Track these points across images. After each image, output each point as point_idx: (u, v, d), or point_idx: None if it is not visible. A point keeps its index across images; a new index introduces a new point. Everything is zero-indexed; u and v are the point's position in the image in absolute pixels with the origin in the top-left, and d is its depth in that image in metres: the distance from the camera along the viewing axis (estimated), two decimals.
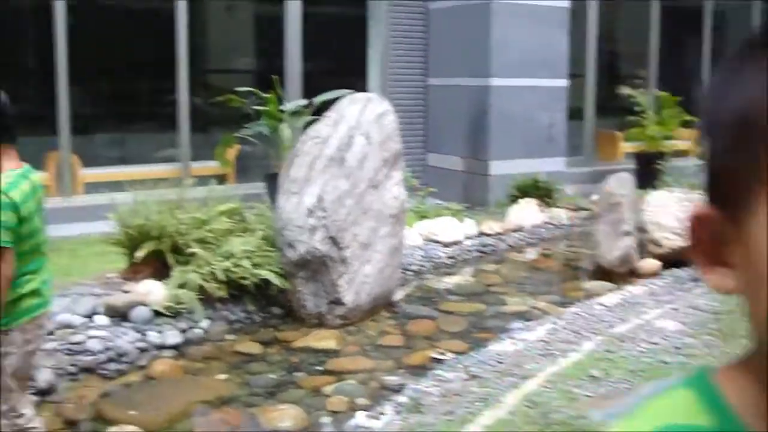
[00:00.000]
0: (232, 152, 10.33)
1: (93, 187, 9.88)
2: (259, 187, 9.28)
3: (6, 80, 10.85)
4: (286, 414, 4.55)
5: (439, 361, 5.36)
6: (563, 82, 11.16)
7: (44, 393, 4.76)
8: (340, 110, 6.34)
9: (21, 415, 3.43)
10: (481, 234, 8.63)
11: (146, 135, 11.49)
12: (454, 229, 8.34)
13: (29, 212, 3.23)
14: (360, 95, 6.54)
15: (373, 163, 6.22)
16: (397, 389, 4.78)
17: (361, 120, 6.25)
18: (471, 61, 10.69)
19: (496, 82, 10.54)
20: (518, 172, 10.34)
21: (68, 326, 5.36)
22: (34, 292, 3.37)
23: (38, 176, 3.39)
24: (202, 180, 7.68)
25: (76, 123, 9.84)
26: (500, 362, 4.95)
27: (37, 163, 9.84)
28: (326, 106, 8.92)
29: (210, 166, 10.23)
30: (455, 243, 8.21)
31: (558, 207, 9.88)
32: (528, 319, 6.13)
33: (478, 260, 8.26)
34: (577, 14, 11.58)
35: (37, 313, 3.41)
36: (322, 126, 6.26)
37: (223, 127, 11.21)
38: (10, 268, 3.17)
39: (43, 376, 4.80)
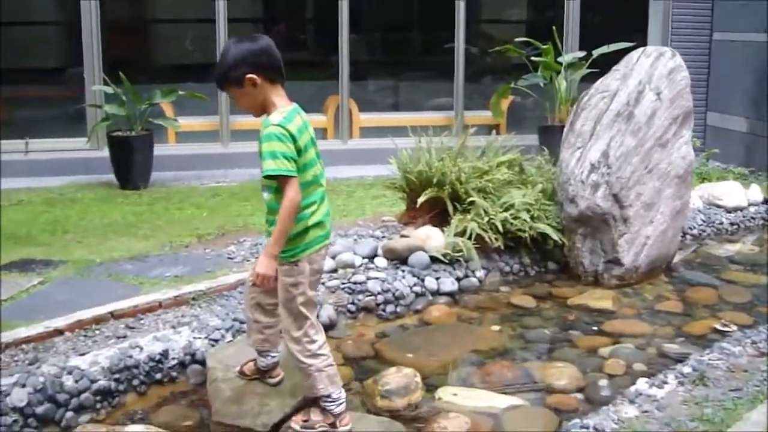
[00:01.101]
0: (506, 103, 10.24)
1: (368, 132, 10.14)
2: (531, 139, 9.15)
3: (293, 29, 11.38)
4: (562, 372, 4.46)
5: (722, 333, 5.07)
6: None
7: (326, 328, 4.90)
8: (629, 64, 6.07)
9: (313, 341, 3.56)
10: (767, 201, 8.08)
11: (419, 83, 11.62)
12: (738, 193, 7.86)
13: (305, 144, 3.40)
14: (651, 48, 6.23)
15: (661, 120, 5.93)
16: (679, 358, 4.56)
17: (652, 74, 5.96)
18: (761, 15, 9.96)
19: None
20: None
21: (350, 266, 5.51)
22: (319, 224, 3.51)
23: (304, 114, 3.53)
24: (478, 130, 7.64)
25: (355, 70, 10.09)
26: None
27: (317, 107, 10.30)
28: (604, 59, 8.71)
29: (482, 116, 10.22)
30: (738, 209, 7.74)
31: None
32: None
33: (763, 229, 7.75)
34: None
35: (322, 244, 3.55)
36: (610, 79, 6.03)
37: (495, 77, 11.15)
38: (298, 195, 3.34)
39: (326, 312, 4.96)
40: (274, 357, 3.85)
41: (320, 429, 3.60)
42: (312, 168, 3.47)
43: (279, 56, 3.49)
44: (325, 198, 3.58)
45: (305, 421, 3.63)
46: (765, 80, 9.94)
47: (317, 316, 4.60)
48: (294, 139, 3.35)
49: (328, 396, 3.58)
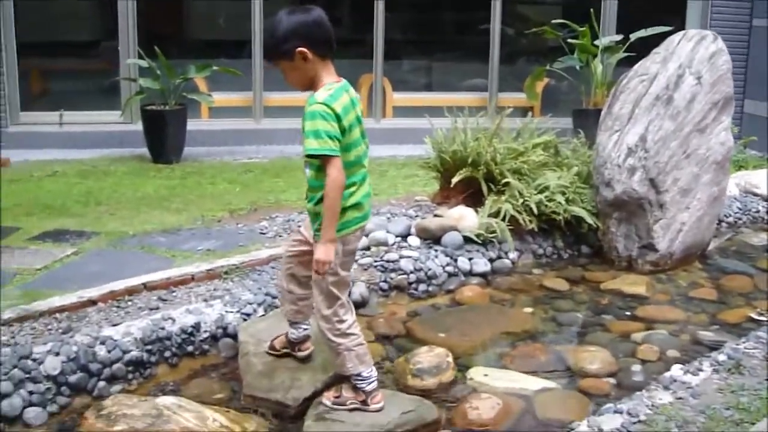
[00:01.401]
0: (540, 85, 10.17)
1: (401, 111, 10.10)
2: (565, 122, 9.07)
3: (328, 7, 11.34)
4: (594, 356, 4.42)
5: (757, 322, 5.01)
6: None
7: (357, 306, 4.89)
8: (670, 47, 5.99)
9: (342, 321, 3.54)
10: None
11: (453, 64, 11.56)
12: None
13: (350, 123, 3.32)
14: (693, 32, 6.13)
15: (701, 105, 5.85)
16: (714, 346, 4.50)
17: (693, 58, 5.88)
18: None
19: None
20: None
21: (383, 244, 5.49)
22: (357, 206, 3.45)
23: (354, 91, 3.44)
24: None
25: (389, 49, 10.04)
26: None
27: (352, 85, 10.25)
28: (641, 43, 8.61)
29: (517, 98, 10.14)
30: None
31: None
32: None
33: None
34: None
35: (358, 225, 3.50)
36: (650, 62, 5.94)
37: (531, 59, 11.07)
38: (341, 175, 3.26)
39: (358, 290, 4.95)
40: (305, 329, 3.83)
41: (351, 406, 3.59)
42: (356, 148, 3.39)
43: (331, 29, 3.36)
44: (366, 179, 3.51)
45: (336, 397, 3.62)
46: None
47: (349, 294, 4.63)
48: (339, 119, 3.26)
49: (358, 374, 3.57)
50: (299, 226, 3.90)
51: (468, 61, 11.16)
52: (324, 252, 3.34)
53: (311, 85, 3.37)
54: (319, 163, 3.30)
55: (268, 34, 3.39)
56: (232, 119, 9.63)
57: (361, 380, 3.58)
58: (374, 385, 3.60)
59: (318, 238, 3.41)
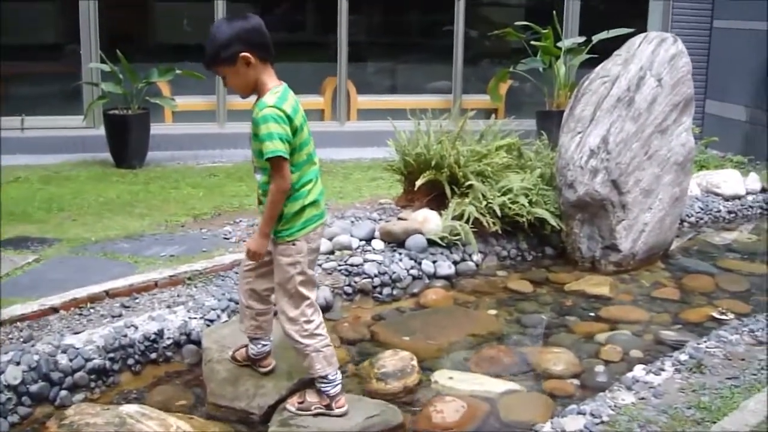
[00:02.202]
0: (504, 87, 10.21)
1: (366, 114, 10.10)
2: (529, 124, 9.11)
3: (291, 9, 11.30)
4: (559, 357, 4.45)
5: (719, 321, 5.07)
6: None
7: (322, 310, 4.87)
8: (631, 49, 6.04)
9: (310, 321, 3.55)
10: (765, 190, 8.06)
11: (417, 66, 11.58)
12: (736, 182, 7.85)
13: (300, 123, 3.37)
14: (653, 34, 6.19)
15: (662, 106, 5.90)
16: (676, 346, 4.55)
17: (654, 60, 5.93)
18: (763, 4, 9.91)
19: None
20: None
21: (347, 248, 5.48)
22: (314, 203, 3.50)
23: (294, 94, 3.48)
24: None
25: (353, 51, 10.04)
26: None
27: (315, 88, 10.26)
28: (604, 45, 8.67)
29: (480, 100, 10.19)
30: (736, 197, 7.73)
31: None
32: None
33: (761, 218, 7.74)
34: None
35: (318, 222, 3.54)
36: (612, 64, 5.99)
37: (494, 61, 11.11)
38: (287, 182, 3.33)
39: (322, 294, 4.94)
40: (265, 345, 3.83)
41: (316, 411, 3.59)
42: (306, 147, 3.45)
43: (269, 35, 3.43)
44: (319, 177, 3.56)
45: (300, 402, 3.62)
46: (764, 69, 9.91)
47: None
48: (290, 120, 3.32)
49: (325, 377, 3.57)
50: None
51: (432, 63, 11.18)
52: (256, 244, 3.43)
53: (253, 89, 3.42)
54: (270, 166, 3.34)
55: (209, 42, 3.40)
56: (196, 123, 9.58)
57: (327, 383, 3.57)
58: (339, 388, 3.61)
59: (280, 239, 3.46)
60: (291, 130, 3.32)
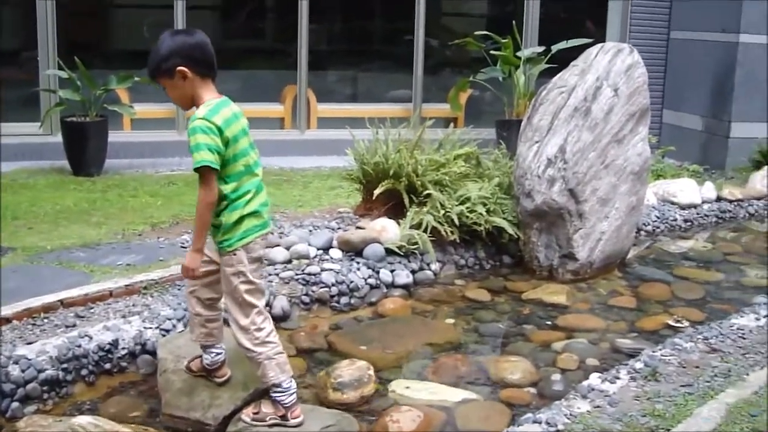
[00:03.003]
0: (464, 96, 10.25)
1: (325, 123, 10.09)
2: (488, 133, 9.15)
3: (252, 17, 11.28)
4: (516, 366, 4.46)
5: (674, 328, 5.12)
6: None
7: (278, 320, 4.89)
8: (588, 59, 6.10)
9: (261, 329, 3.55)
10: (720, 199, 8.17)
11: (378, 74, 11.60)
12: (692, 191, 7.94)
13: (234, 135, 3.41)
14: (609, 45, 6.26)
15: (618, 116, 5.95)
16: (631, 354, 4.59)
17: (610, 71, 5.99)
18: (719, 15, 10.05)
19: (745, 38, 9.86)
20: (763, 136, 9.70)
21: (304, 257, 5.47)
22: (254, 214, 3.51)
23: (237, 106, 3.54)
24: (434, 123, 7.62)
25: (313, 59, 10.03)
26: (743, 337, 4.64)
27: (275, 96, 10.23)
28: (563, 54, 8.74)
29: (440, 109, 10.22)
30: (692, 206, 7.83)
31: None
32: None
33: (716, 226, 7.84)
34: None
35: (258, 233, 3.54)
36: (569, 75, 6.04)
37: (454, 70, 11.16)
38: (212, 193, 3.37)
39: (279, 303, 4.93)
40: (219, 354, 3.81)
41: (271, 421, 3.57)
42: (243, 158, 3.47)
43: (212, 52, 3.49)
44: (261, 188, 3.58)
45: (256, 413, 3.60)
46: (720, 79, 10.05)
47: (269, 306, 4.61)
48: (220, 131, 3.35)
49: (279, 385, 3.56)
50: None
51: (393, 72, 11.21)
52: (189, 259, 3.46)
53: (192, 103, 3.48)
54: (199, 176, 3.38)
55: (152, 53, 3.46)
56: (155, 131, 9.51)
57: (282, 392, 3.56)
58: (294, 398, 3.59)
59: (222, 250, 3.49)
60: (222, 141, 3.36)
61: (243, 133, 3.48)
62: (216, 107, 3.41)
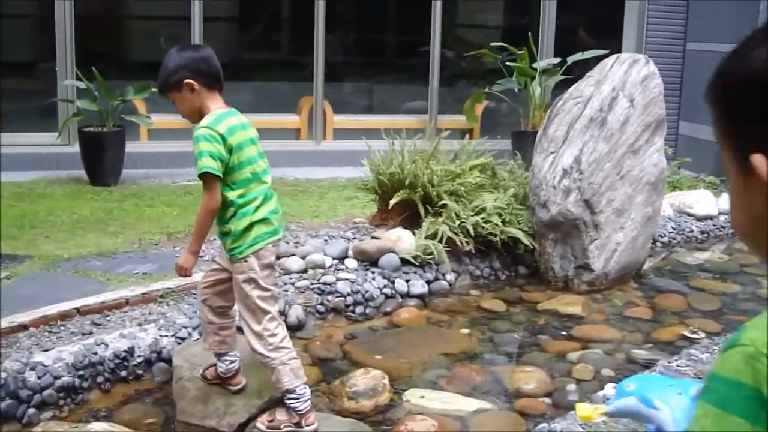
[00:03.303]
0: (480, 107, 10.26)
1: (342, 134, 10.11)
2: (504, 144, 9.16)
3: (268, 29, 11.33)
4: (531, 376, 4.46)
5: (690, 339, 5.10)
6: None
7: (294, 329, 4.90)
8: (603, 70, 6.10)
9: (274, 335, 3.58)
10: None
11: (393, 86, 11.62)
12: (709, 202, 7.91)
13: (239, 143, 3.49)
14: (625, 56, 6.26)
15: (634, 127, 5.95)
16: (647, 364, 4.58)
17: (626, 81, 5.98)
18: (736, 27, 10.04)
19: None
20: None
21: (320, 266, 5.48)
22: (264, 221, 3.56)
23: (244, 116, 3.65)
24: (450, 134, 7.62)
25: (329, 71, 10.06)
26: None
27: (291, 108, 10.27)
28: (579, 66, 8.74)
29: (456, 120, 10.23)
30: (709, 217, 7.80)
31: None
32: None
33: (732, 238, 7.80)
34: None
35: (268, 240, 3.59)
36: (584, 85, 6.04)
37: (470, 81, 11.17)
38: (215, 200, 3.45)
39: (294, 313, 4.94)
40: (233, 361, 3.83)
41: (286, 429, 3.58)
42: (250, 165, 3.54)
43: (218, 65, 3.62)
44: (271, 196, 3.64)
45: (270, 421, 3.62)
46: None
47: (284, 316, 4.63)
48: (224, 139, 3.43)
49: (293, 391, 3.57)
50: (214, 256, 3.96)
51: (408, 83, 11.23)
52: (183, 259, 3.55)
53: (200, 116, 3.56)
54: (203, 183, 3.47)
55: (161, 69, 3.59)
56: (172, 141, 9.55)
57: (295, 398, 3.57)
58: (308, 405, 3.61)
59: (233, 258, 3.54)
60: (226, 149, 3.44)
61: (250, 142, 3.57)
62: (220, 116, 3.49)
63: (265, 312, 3.56)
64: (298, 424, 3.58)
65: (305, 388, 3.62)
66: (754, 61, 1.09)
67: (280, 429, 3.59)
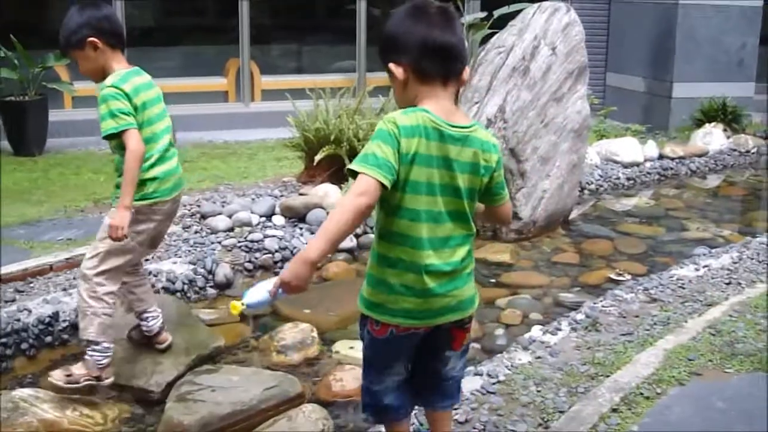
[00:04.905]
0: None
1: (270, 95, 10.03)
2: None
3: None
4: None
5: (616, 281, 5.19)
6: (758, 2, 10.45)
7: (222, 287, 4.89)
8: (525, 19, 6.12)
9: (102, 285, 3.49)
10: (662, 157, 8.29)
11: (322, 46, 11.53)
12: (635, 150, 8.03)
13: (143, 102, 3.48)
14: (546, 4, 6.28)
15: (557, 75, 5.99)
16: (573, 307, 4.65)
17: (547, 29, 6.02)
18: None
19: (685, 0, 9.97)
20: (702, 95, 9.83)
21: (247, 224, 5.45)
22: (155, 179, 3.53)
23: (148, 75, 3.63)
24: (377, 90, 7.60)
25: (256, 33, 9.95)
26: (682, 287, 4.73)
27: (218, 71, 10.14)
28: (507, 19, 8.75)
29: (385, 77, 10.15)
30: (635, 164, 7.93)
31: (745, 134, 9.36)
32: (712, 247, 5.83)
33: (658, 183, 7.94)
34: None
35: (157, 198, 3.55)
36: (507, 35, 6.07)
37: None
38: (139, 145, 3.41)
39: (222, 271, 4.91)
40: (155, 318, 3.78)
41: (85, 382, 3.50)
42: (150, 126, 3.53)
43: (120, 24, 3.63)
44: (171, 155, 3.62)
45: (68, 375, 3.50)
46: (661, 41, 10.15)
47: (211, 273, 4.59)
48: (129, 97, 3.41)
49: (99, 344, 3.49)
50: None
51: (336, 43, 11.15)
52: (119, 218, 3.38)
53: (103, 75, 3.52)
54: (121, 140, 3.41)
55: (62, 28, 3.53)
56: (96, 108, 9.38)
57: (99, 351, 3.49)
58: (108, 360, 3.53)
59: (114, 203, 3.48)
60: (132, 106, 3.42)
61: (156, 101, 3.57)
62: (125, 76, 3.47)
63: (107, 261, 3.48)
64: (98, 378, 3.51)
65: (111, 346, 3.54)
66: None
67: (79, 383, 3.49)
